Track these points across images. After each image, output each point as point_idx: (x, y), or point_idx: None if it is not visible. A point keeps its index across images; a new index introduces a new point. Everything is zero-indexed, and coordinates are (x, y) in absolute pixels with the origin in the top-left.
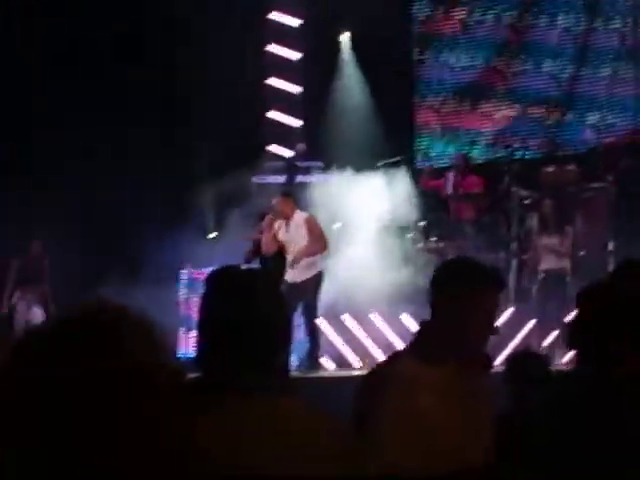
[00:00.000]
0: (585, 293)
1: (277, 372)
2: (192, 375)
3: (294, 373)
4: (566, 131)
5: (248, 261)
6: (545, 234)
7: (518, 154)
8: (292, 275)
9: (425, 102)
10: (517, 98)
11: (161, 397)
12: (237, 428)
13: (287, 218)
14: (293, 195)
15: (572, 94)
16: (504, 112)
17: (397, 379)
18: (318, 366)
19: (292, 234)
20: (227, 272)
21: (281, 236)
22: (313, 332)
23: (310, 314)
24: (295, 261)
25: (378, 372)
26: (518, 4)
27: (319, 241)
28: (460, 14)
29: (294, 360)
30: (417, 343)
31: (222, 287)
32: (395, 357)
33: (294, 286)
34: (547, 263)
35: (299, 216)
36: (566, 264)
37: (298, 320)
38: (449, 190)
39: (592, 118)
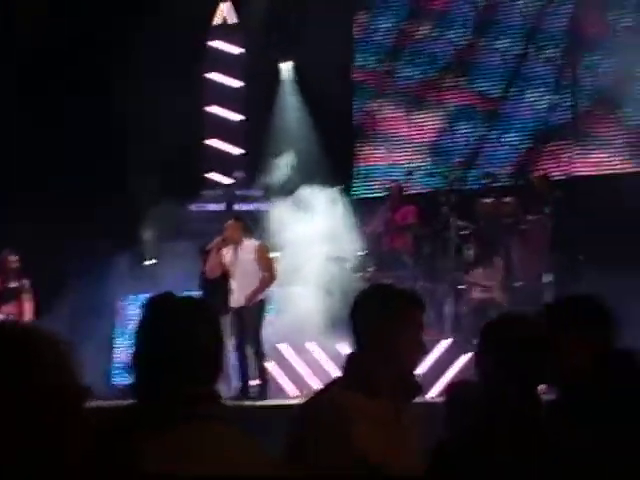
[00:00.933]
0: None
1: (212, 400)
2: (128, 402)
3: (232, 401)
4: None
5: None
6: (472, 268)
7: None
8: (237, 300)
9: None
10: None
11: (65, 414)
12: (172, 454)
13: (236, 243)
14: (244, 221)
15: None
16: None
17: (331, 409)
18: (264, 394)
19: (240, 260)
20: (165, 299)
21: (228, 260)
22: (260, 359)
23: (255, 340)
24: (248, 300)
25: (313, 402)
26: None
27: (268, 271)
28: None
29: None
30: (349, 374)
31: (160, 314)
32: (330, 387)
33: (239, 311)
34: (475, 294)
35: (250, 243)
36: (495, 295)
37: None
38: (380, 228)
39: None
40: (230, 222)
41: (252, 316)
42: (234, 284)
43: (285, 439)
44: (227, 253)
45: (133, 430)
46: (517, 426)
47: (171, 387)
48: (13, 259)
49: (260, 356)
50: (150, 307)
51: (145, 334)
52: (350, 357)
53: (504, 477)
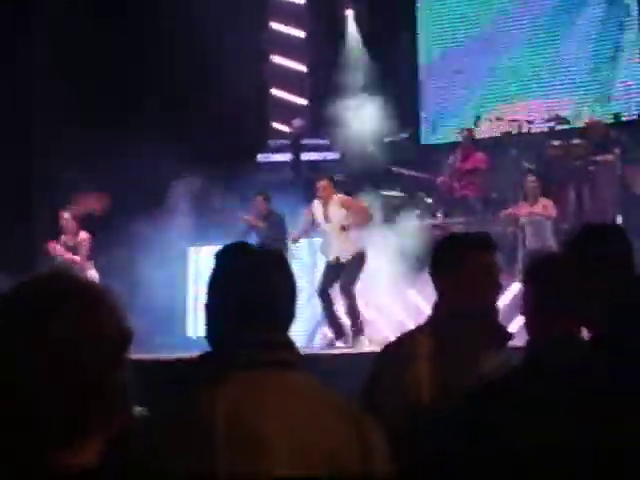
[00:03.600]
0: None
1: (286, 346)
2: (201, 351)
3: (308, 349)
4: None
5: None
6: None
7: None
8: (336, 253)
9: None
10: None
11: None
12: (247, 401)
13: (328, 201)
14: (334, 179)
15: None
16: None
17: (408, 355)
18: (358, 342)
19: (333, 215)
20: (239, 247)
21: (321, 218)
22: (352, 309)
23: (349, 292)
24: (344, 229)
25: (390, 350)
26: None
27: (364, 215)
28: None
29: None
30: (432, 321)
31: (234, 262)
32: (412, 333)
33: (338, 263)
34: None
35: (338, 197)
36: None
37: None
38: (450, 178)
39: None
40: (322, 182)
41: (353, 267)
42: (331, 239)
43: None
44: (318, 211)
45: (208, 377)
46: (563, 362)
47: (242, 333)
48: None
49: (355, 306)
50: (224, 255)
51: (219, 282)
52: (434, 305)
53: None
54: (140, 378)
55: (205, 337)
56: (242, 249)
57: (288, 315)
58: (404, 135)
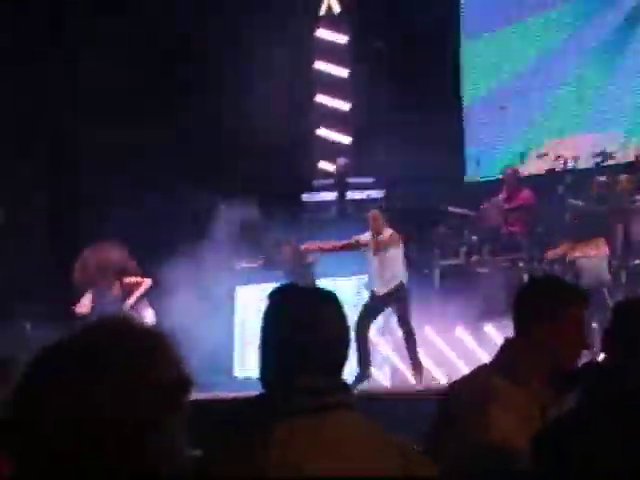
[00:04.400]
0: (621, 306)
1: (340, 389)
2: (254, 393)
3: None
4: None
5: None
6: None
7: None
8: (380, 287)
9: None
10: None
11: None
12: (300, 444)
13: (378, 233)
14: (384, 212)
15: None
16: None
17: (474, 389)
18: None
19: (381, 249)
20: (292, 288)
21: (369, 249)
22: (409, 343)
23: (403, 325)
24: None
25: (459, 383)
26: None
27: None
28: None
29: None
30: (502, 361)
31: (288, 303)
32: (479, 371)
33: (382, 298)
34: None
35: (388, 232)
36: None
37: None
38: (496, 218)
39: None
40: (374, 212)
41: (400, 300)
42: (375, 272)
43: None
44: (367, 242)
45: (262, 420)
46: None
47: (298, 377)
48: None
49: (413, 339)
50: (278, 296)
51: (274, 325)
52: (507, 342)
53: (610, 457)
54: (190, 419)
55: (259, 379)
56: (296, 290)
57: (342, 358)
58: (448, 173)
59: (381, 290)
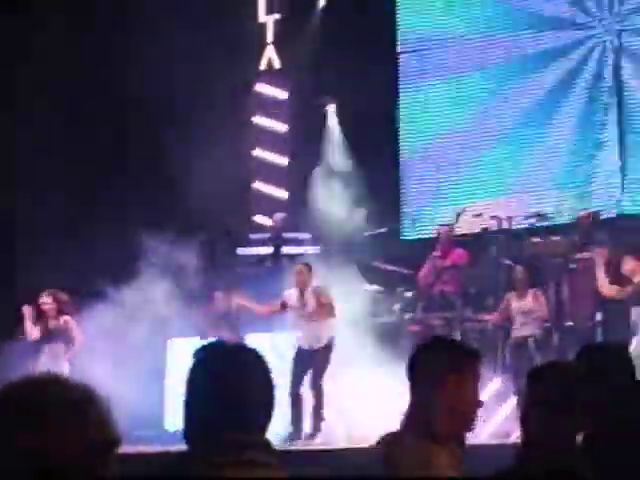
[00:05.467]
0: (535, 372)
1: (262, 446)
2: (180, 448)
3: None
4: None
5: None
6: (516, 297)
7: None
8: (306, 342)
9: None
10: None
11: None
12: None
13: (303, 288)
14: (310, 267)
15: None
16: None
17: (417, 460)
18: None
19: (307, 304)
20: (218, 346)
21: (295, 304)
22: (318, 399)
23: (318, 382)
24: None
25: (392, 453)
26: None
27: (332, 313)
28: None
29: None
30: (416, 423)
31: (213, 364)
32: (401, 436)
33: (308, 353)
34: (519, 330)
35: (314, 287)
36: (535, 331)
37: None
38: (430, 277)
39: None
40: (300, 267)
41: (323, 358)
42: (302, 327)
43: None
44: (292, 297)
45: (183, 476)
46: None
47: (224, 433)
48: (48, 300)
49: (321, 397)
50: (203, 354)
51: (198, 382)
52: (414, 407)
53: None
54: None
55: (183, 435)
56: (221, 348)
57: (267, 415)
58: (384, 230)
59: (314, 345)
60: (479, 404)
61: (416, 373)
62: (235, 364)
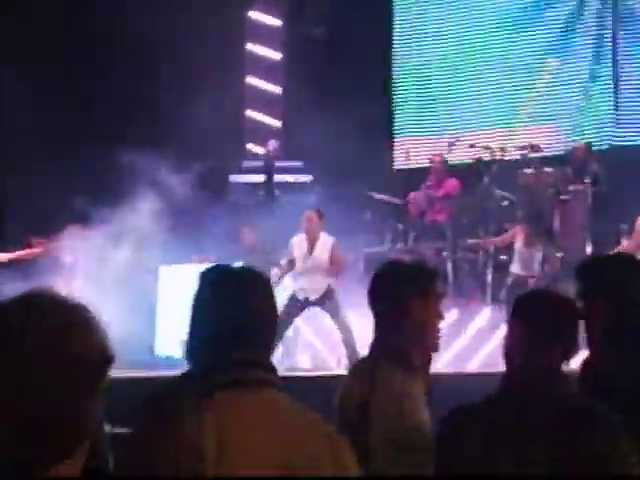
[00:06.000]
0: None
1: (265, 366)
2: (172, 373)
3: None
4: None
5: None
6: (523, 239)
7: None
8: (306, 294)
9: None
10: None
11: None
12: (232, 420)
13: (314, 239)
14: (323, 215)
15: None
16: None
17: (387, 388)
18: None
19: (315, 256)
20: (222, 270)
21: (301, 254)
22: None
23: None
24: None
25: (362, 377)
26: None
27: (341, 268)
28: None
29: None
30: (385, 350)
31: (218, 285)
32: (371, 364)
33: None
34: (516, 268)
35: (325, 239)
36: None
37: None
38: (423, 205)
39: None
40: (310, 214)
41: (333, 302)
42: (303, 278)
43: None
44: (302, 246)
45: (192, 396)
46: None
47: (234, 352)
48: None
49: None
50: (211, 276)
51: (204, 304)
52: (380, 335)
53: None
54: (112, 396)
55: (187, 355)
56: (227, 272)
57: (272, 335)
58: (375, 161)
59: (311, 296)
60: (441, 319)
61: (380, 300)
62: (242, 284)
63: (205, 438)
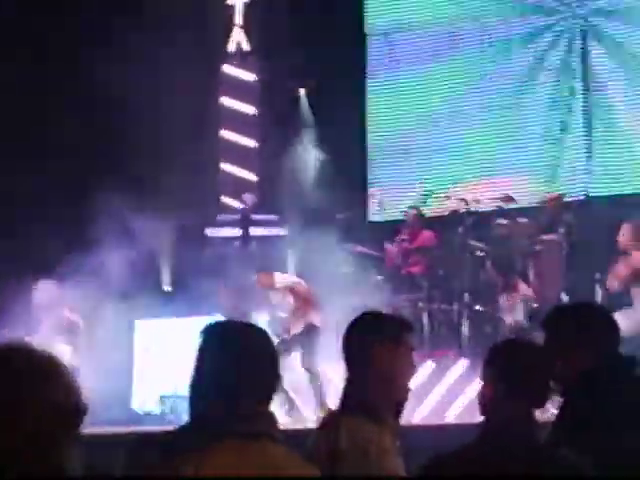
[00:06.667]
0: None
1: (271, 420)
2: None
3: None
4: None
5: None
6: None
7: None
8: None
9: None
10: None
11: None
12: (226, 468)
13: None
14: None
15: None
16: None
17: (351, 437)
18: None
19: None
20: (227, 325)
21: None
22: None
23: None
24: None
25: (331, 435)
26: None
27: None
28: None
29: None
30: (353, 401)
31: (224, 338)
32: (339, 417)
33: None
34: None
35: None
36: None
37: None
38: (398, 259)
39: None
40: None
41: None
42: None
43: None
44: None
45: (187, 442)
46: (514, 447)
47: (239, 403)
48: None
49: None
50: (209, 333)
51: (213, 354)
52: (349, 384)
53: None
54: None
55: (192, 408)
56: (233, 326)
57: (275, 388)
58: (351, 213)
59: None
60: (412, 372)
61: (347, 348)
62: (248, 338)
63: None
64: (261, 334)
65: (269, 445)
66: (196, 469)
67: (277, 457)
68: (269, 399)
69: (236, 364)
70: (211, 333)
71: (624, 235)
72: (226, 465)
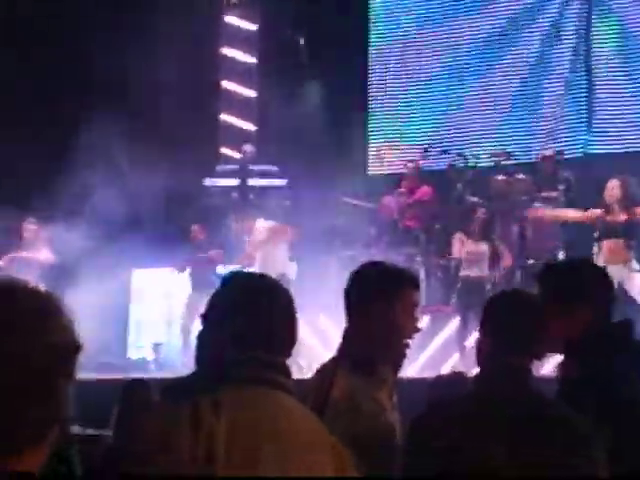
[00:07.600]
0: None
1: (285, 370)
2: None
3: None
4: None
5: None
6: (472, 240)
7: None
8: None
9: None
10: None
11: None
12: (245, 415)
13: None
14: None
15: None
16: None
17: (344, 390)
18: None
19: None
20: (248, 276)
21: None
22: None
23: None
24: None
25: (319, 389)
26: None
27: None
28: None
29: None
30: (349, 354)
31: (247, 289)
32: (332, 370)
33: None
34: (466, 270)
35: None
36: (484, 273)
37: None
38: (395, 214)
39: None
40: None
41: None
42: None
43: None
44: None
45: (202, 387)
46: (510, 399)
47: (247, 351)
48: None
49: None
50: (236, 281)
51: (233, 304)
52: (347, 336)
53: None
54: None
55: (198, 357)
56: (253, 277)
57: (291, 342)
58: (349, 166)
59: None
60: (415, 329)
61: (348, 301)
62: (269, 289)
63: (219, 421)
64: (281, 287)
65: (282, 396)
66: (213, 406)
67: (288, 408)
68: (288, 352)
69: (258, 314)
70: (234, 283)
71: (613, 190)
72: (240, 406)
